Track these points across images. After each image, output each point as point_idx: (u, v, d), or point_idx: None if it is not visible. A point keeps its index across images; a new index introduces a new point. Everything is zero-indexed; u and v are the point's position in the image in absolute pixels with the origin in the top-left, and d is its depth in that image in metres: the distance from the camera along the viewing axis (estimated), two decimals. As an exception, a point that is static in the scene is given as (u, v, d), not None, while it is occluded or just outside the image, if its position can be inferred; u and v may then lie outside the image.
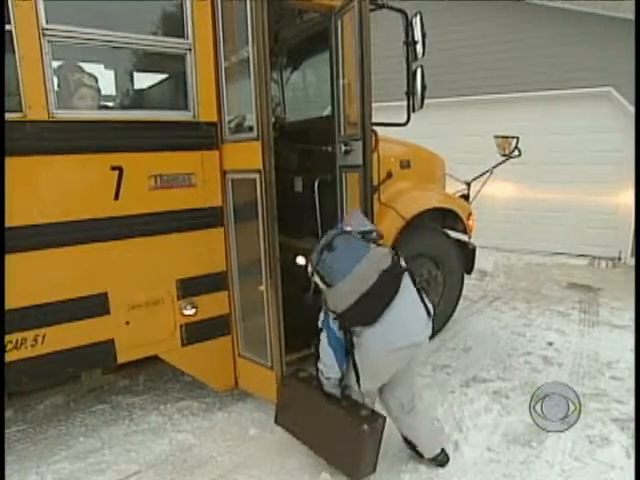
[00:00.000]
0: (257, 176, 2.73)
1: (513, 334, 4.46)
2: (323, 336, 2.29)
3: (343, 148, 3.33)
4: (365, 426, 2.27)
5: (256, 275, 2.88)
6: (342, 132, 3.43)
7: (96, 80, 2.82)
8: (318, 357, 2.36)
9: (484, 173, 4.86)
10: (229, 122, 2.95)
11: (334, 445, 2.41)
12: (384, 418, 2.38)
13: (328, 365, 2.29)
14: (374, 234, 2.41)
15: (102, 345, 2.68)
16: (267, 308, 2.85)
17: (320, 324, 2.34)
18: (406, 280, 2.28)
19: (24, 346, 2.44)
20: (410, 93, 3.59)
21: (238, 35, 2.84)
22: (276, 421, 2.76)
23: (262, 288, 2.85)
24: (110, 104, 3.35)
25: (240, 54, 2.90)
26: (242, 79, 2.85)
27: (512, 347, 4.17)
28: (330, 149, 3.52)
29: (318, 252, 2.27)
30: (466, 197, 4.83)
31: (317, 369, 2.41)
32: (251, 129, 2.76)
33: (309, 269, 2.31)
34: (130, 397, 3.46)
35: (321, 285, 2.25)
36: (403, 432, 2.59)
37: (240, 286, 3.08)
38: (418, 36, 3.44)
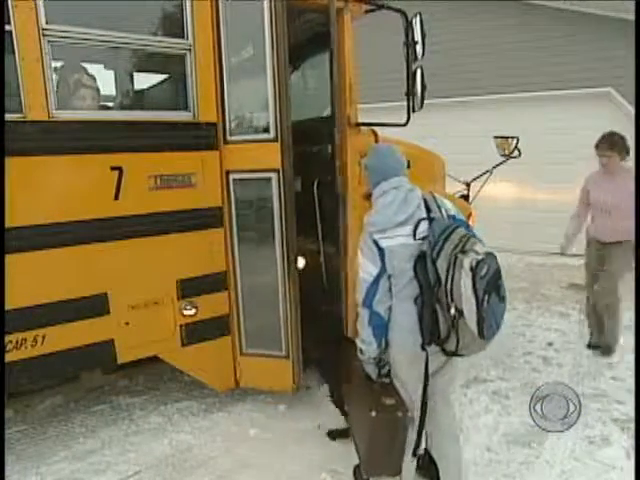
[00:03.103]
0: (274, 175, 2.79)
1: (513, 334, 4.45)
2: (364, 313, 2.17)
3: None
4: (373, 413, 1.96)
5: (262, 273, 2.89)
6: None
7: (95, 80, 2.83)
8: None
9: (484, 173, 4.86)
10: (233, 122, 2.95)
11: (358, 433, 2.20)
12: (405, 413, 2.03)
13: (367, 341, 2.18)
14: None
15: (102, 345, 2.68)
16: (286, 296, 2.93)
17: (363, 301, 2.19)
18: None
19: (24, 346, 2.44)
20: (410, 93, 3.58)
21: (242, 35, 2.84)
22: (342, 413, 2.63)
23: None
24: (110, 104, 3.35)
25: (244, 54, 2.90)
26: (246, 79, 2.86)
27: (512, 347, 4.17)
28: (329, 149, 3.52)
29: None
30: (466, 197, 4.82)
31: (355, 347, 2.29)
32: (265, 130, 2.81)
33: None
34: (130, 397, 3.46)
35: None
36: (434, 455, 2.33)
37: (244, 285, 3.08)
38: (418, 37, 3.44)
